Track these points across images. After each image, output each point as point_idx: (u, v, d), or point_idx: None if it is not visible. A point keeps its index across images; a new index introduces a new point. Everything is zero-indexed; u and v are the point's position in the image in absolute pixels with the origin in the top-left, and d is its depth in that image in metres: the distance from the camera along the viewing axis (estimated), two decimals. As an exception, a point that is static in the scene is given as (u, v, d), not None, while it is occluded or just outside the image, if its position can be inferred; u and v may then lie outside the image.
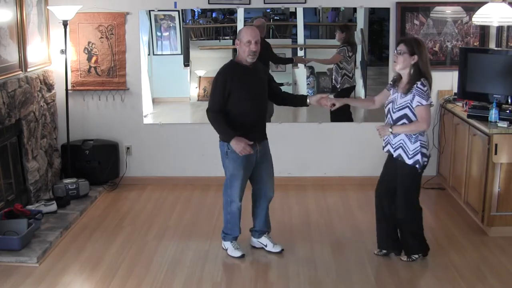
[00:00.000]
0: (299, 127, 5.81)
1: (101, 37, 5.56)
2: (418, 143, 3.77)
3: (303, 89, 5.83)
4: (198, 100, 5.91)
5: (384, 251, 4.13)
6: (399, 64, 3.76)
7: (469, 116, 4.68)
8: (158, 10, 5.63)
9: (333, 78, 5.69)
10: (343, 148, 5.78)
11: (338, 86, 5.69)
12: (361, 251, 4.24)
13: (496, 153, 4.29)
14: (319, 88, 5.90)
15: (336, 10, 5.68)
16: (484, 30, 5.47)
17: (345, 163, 5.81)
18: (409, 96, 3.72)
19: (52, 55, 5.52)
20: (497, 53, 4.93)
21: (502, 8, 4.61)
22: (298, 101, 4.29)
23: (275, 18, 5.76)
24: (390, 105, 3.86)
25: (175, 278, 3.85)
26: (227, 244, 4.21)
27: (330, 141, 5.74)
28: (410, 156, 3.78)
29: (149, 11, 5.61)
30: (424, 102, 3.68)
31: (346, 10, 5.68)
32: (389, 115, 3.86)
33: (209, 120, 3.95)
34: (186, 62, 5.85)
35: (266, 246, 4.25)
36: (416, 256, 4.04)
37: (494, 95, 4.56)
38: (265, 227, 4.29)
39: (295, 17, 5.69)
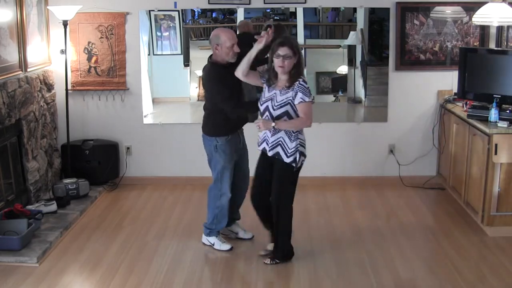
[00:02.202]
0: (299, 127, 5.80)
1: (101, 37, 5.56)
2: (297, 141, 3.76)
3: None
4: (198, 100, 5.91)
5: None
6: (286, 68, 3.68)
7: (469, 116, 4.68)
8: (158, 10, 5.63)
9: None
10: (343, 148, 5.77)
11: None
12: (361, 250, 4.24)
13: (496, 153, 4.29)
14: (319, 88, 5.91)
15: (336, 10, 5.68)
16: (484, 30, 5.46)
17: (345, 163, 5.80)
18: (291, 93, 3.69)
19: (52, 55, 5.52)
20: (497, 53, 4.93)
21: (502, 8, 4.60)
22: None
23: (275, 18, 5.76)
24: (268, 103, 3.78)
25: (175, 278, 3.85)
26: (213, 239, 4.27)
27: (330, 141, 5.74)
28: (289, 155, 3.76)
29: (149, 11, 5.61)
30: (307, 99, 3.67)
31: (346, 10, 5.68)
32: (267, 113, 3.78)
33: (239, 115, 4.03)
34: (186, 62, 5.85)
35: (237, 233, 4.39)
36: (277, 260, 4.00)
37: (494, 95, 4.55)
38: (237, 215, 4.43)
39: (295, 17, 5.68)
